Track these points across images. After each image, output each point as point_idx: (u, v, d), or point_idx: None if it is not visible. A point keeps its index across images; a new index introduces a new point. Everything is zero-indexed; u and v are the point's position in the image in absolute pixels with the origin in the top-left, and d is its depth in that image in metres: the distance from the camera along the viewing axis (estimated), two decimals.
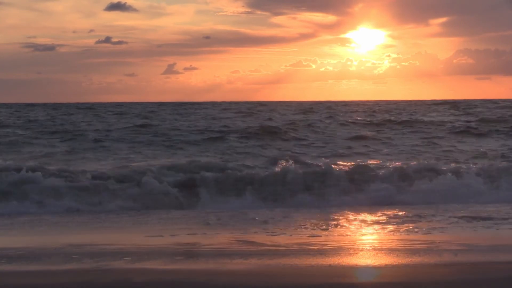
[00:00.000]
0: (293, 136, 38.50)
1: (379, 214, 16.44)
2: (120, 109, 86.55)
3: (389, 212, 16.63)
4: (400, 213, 16.41)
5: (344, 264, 10.30)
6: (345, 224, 14.86)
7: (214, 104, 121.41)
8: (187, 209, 18.24)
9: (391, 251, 11.34)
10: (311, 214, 16.70)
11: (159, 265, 10.25)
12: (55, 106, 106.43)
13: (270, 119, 57.26)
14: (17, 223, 15.56)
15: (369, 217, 15.86)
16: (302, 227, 14.42)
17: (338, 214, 16.47)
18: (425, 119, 54.70)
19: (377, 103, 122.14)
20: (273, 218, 15.72)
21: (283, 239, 12.83)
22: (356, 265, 10.32)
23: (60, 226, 15.24)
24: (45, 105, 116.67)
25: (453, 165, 23.46)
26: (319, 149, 32.20)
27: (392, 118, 56.70)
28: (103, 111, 77.89)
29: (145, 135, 39.03)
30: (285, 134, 39.01)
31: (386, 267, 10.09)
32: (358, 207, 17.93)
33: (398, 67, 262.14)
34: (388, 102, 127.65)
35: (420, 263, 10.32)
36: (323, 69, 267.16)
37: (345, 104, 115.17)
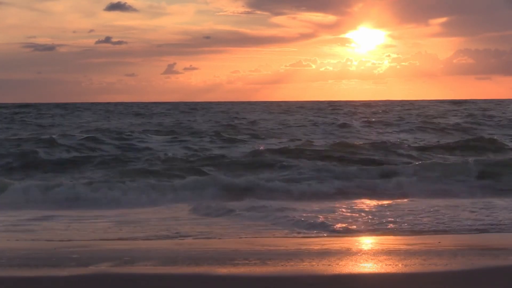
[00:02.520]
0: None
1: (379, 213, 16.46)
2: None
3: (389, 212, 16.65)
4: (400, 213, 16.41)
5: (344, 263, 10.31)
6: (345, 224, 14.87)
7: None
8: None
9: (391, 251, 11.36)
10: None
11: (159, 265, 10.28)
12: None
13: None
14: None
15: (369, 217, 15.87)
16: None
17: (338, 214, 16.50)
18: None
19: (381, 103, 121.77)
20: None
21: (283, 239, 12.87)
22: (356, 264, 10.33)
23: None
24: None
25: None
26: None
27: None
28: None
29: None
30: None
31: (386, 266, 10.11)
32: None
33: (398, 67, 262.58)
34: (390, 102, 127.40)
35: (420, 263, 10.34)
36: (323, 69, 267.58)
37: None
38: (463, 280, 9.24)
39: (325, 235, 13.61)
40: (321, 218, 15.27)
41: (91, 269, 9.88)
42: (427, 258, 10.68)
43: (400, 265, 10.17)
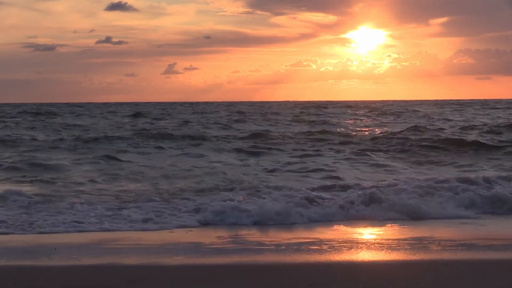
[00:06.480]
0: None
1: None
2: None
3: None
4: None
5: (344, 263, 10.29)
6: (345, 223, 14.84)
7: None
8: None
9: (391, 250, 11.33)
10: None
11: (160, 263, 10.27)
12: None
13: None
14: None
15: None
16: None
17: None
18: None
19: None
20: None
21: (283, 238, 12.84)
22: (356, 264, 10.31)
23: None
24: None
25: None
26: None
27: None
28: None
29: None
30: None
31: (386, 266, 10.09)
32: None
33: (398, 67, 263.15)
34: (389, 103, 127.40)
35: (420, 261, 10.32)
36: (323, 69, 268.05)
37: None
38: (464, 280, 9.23)
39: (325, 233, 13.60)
40: None
41: None
42: (428, 256, 10.69)
43: (400, 264, 10.15)
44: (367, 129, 48.13)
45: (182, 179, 21.50)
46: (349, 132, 44.07)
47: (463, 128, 45.10)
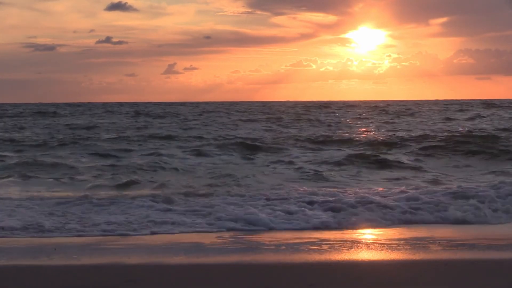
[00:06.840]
0: None
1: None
2: None
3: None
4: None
5: (344, 263, 10.29)
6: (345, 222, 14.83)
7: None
8: None
9: (391, 250, 11.33)
10: None
11: (160, 263, 10.27)
12: None
13: None
14: None
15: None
16: None
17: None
18: None
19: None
20: None
21: (283, 238, 12.85)
22: (356, 264, 10.31)
23: None
24: None
25: None
26: None
27: None
28: None
29: None
30: None
31: (386, 266, 10.08)
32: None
33: (398, 67, 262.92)
34: (389, 102, 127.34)
35: (420, 261, 10.32)
36: (323, 69, 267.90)
37: None
38: (463, 279, 9.23)
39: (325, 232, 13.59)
40: None
41: None
42: (428, 256, 10.68)
43: (401, 263, 10.14)
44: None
45: (191, 179, 21.47)
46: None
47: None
